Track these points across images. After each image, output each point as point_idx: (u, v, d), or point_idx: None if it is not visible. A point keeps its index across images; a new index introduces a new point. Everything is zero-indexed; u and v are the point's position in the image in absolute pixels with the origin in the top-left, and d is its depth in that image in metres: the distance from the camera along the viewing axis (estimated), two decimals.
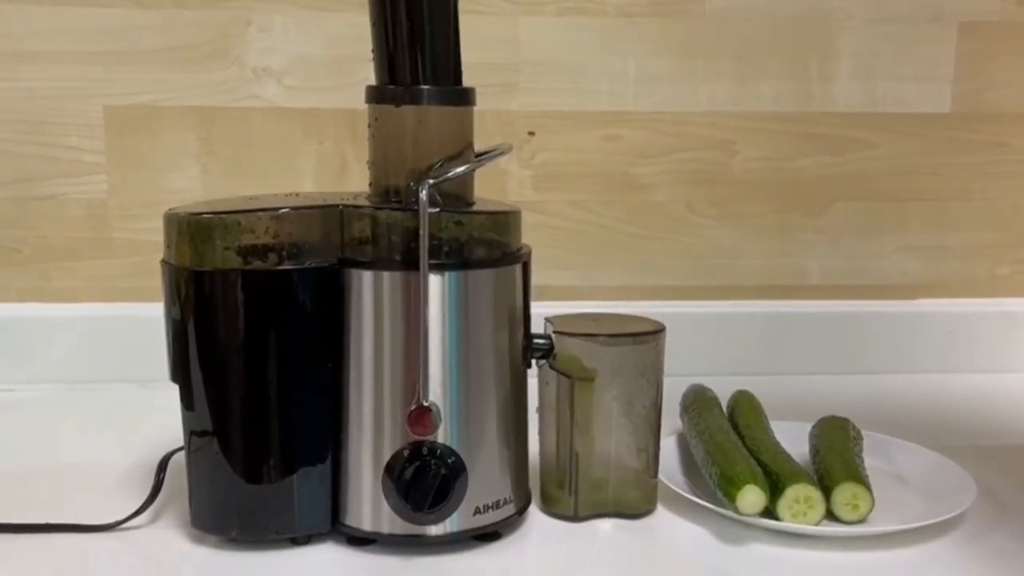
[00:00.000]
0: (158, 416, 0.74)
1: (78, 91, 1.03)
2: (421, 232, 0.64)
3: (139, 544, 0.69)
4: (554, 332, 0.72)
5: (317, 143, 1.05)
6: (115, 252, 1.05)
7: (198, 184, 1.05)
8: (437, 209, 0.65)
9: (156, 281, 0.68)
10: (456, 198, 0.68)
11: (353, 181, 1.05)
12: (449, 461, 0.66)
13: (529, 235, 0.72)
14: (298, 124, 1.05)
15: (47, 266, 1.06)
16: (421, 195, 0.64)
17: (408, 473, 0.65)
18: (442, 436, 0.66)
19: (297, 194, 0.75)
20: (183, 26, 1.02)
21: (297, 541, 0.68)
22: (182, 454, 0.69)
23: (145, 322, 0.91)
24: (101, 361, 1.04)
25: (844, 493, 0.71)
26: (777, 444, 0.78)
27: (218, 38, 1.03)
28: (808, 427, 0.84)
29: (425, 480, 0.65)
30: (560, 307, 0.78)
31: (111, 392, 1.02)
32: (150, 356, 0.80)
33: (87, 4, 1.01)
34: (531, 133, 1.07)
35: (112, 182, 1.04)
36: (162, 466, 0.74)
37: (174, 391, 0.68)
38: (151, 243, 1.01)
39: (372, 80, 0.69)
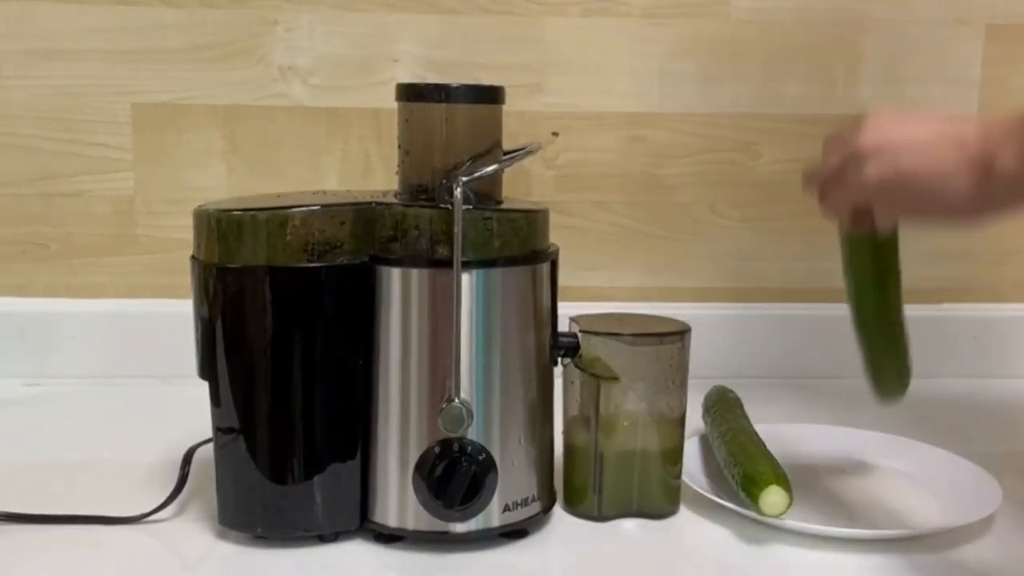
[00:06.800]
0: (181, 411, 0.75)
1: (105, 89, 1.03)
2: (456, 230, 0.63)
3: (165, 537, 0.70)
4: (580, 331, 0.72)
5: (342, 142, 1.06)
6: (140, 248, 1.06)
7: (223, 182, 1.05)
8: (469, 206, 0.65)
9: (180, 278, 0.69)
10: (486, 196, 0.68)
11: (377, 180, 1.05)
12: (480, 458, 0.66)
13: (552, 235, 0.72)
14: (323, 123, 1.05)
15: (73, 262, 1.06)
16: (456, 193, 0.64)
17: (439, 470, 0.65)
18: (471, 433, 0.66)
19: (324, 192, 0.75)
20: (210, 24, 1.03)
21: (324, 538, 0.68)
22: (207, 448, 0.70)
23: (169, 318, 0.92)
24: (125, 356, 1.05)
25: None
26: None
27: (244, 37, 1.03)
28: (832, 430, 0.84)
29: (456, 477, 0.65)
30: (582, 308, 0.77)
31: (135, 387, 1.02)
32: (173, 352, 0.81)
33: (115, 2, 1.02)
34: (555, 133, 1.07)
35: (138, 179, 1.05)
36: (187, 459, 0.74)
37: (197, 387, 0.68)
38: (176, 240, 1.03)
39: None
